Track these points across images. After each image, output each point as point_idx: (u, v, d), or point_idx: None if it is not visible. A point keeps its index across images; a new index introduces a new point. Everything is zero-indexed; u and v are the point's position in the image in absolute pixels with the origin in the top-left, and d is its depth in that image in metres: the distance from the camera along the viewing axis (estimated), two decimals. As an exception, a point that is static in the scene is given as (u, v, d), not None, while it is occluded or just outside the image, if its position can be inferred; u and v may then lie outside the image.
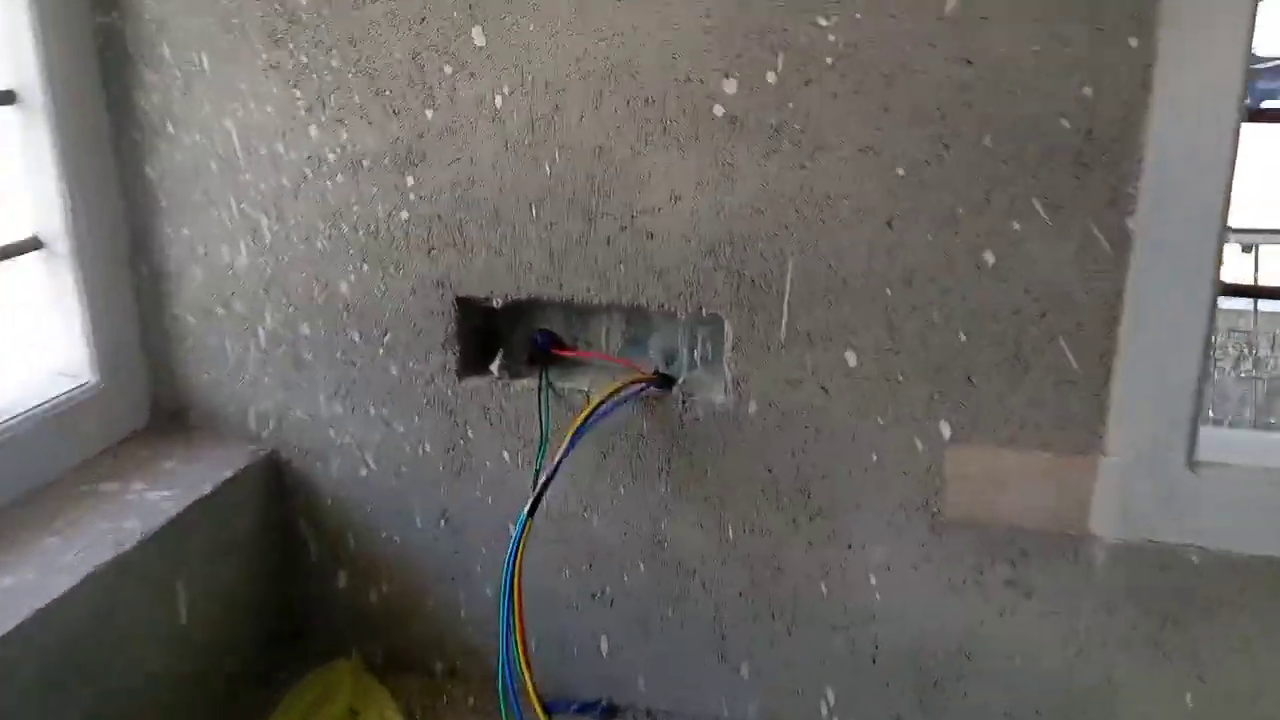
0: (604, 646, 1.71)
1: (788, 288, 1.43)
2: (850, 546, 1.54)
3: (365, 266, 1.58)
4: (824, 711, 1.66)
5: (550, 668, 1.64)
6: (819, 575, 1.57)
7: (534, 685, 1.27)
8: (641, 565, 1.63)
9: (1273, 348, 4.87)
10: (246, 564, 1.72)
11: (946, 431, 1.44)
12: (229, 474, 1.66)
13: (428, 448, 1.66)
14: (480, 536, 1.69)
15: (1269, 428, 4.61)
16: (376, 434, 1.67)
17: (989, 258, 1.37)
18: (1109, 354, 1.37)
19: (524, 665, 1.30)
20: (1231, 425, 4.54)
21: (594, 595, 1.67)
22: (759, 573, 1.59)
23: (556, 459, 1.39)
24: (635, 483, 1.58)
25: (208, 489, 1.60)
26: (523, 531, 1.27)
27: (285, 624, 1.83)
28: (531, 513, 1.31)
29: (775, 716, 1.69)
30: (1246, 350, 4.80)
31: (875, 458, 1.48)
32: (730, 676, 1.68)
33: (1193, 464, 1.39)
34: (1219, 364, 4.72)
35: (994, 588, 1.51)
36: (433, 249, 1.54)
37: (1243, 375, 4.82)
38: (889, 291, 1.40)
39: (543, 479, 1.38)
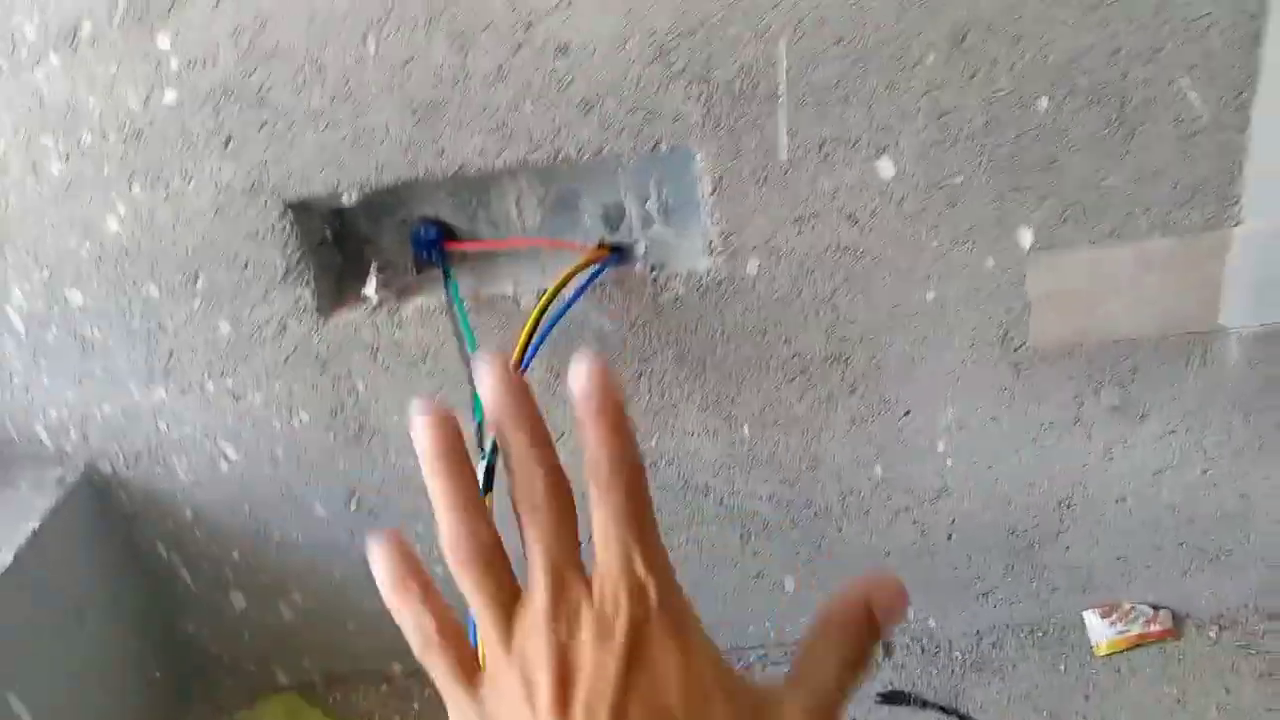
0: (604, 600, 1.32)
1: (782, 84, 0.95)
2: (909, 413, 1.15)
3: (135, 188, 1.03)
4: (895, 607, 1.32)
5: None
6: (870, 457, 1.19)
7: None
8: (635, 497, 1.22)
9: None
10: (102, 627, 1.24)
11: (1026, 239, 1.03)
12: (35, 523, 1.16)
13: (304, 417, 1.17)
14: (411, 510, 1.24)
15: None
16: (226, 415, 1.18)
17: (1066, -22, 0.92)
18: (1247, 83, 0.95)
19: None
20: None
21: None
22: (791, 470, 1.20)
23: None
24: (607, 399, 1.14)
25: (9, 557, 1.10)
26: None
27: (181, 677, 1.38)
28: (487, 487, 0.82)
29: (835, 626, 1.35)
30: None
31: (931, 295, 1.07)
32: (771, 594, 1.31)
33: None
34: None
35: (1098, 420, 1.15)
36: (229, 138, 1.00)
37: None
38: (932, 58, 0.94)
39: (489, 442, 0.90)
